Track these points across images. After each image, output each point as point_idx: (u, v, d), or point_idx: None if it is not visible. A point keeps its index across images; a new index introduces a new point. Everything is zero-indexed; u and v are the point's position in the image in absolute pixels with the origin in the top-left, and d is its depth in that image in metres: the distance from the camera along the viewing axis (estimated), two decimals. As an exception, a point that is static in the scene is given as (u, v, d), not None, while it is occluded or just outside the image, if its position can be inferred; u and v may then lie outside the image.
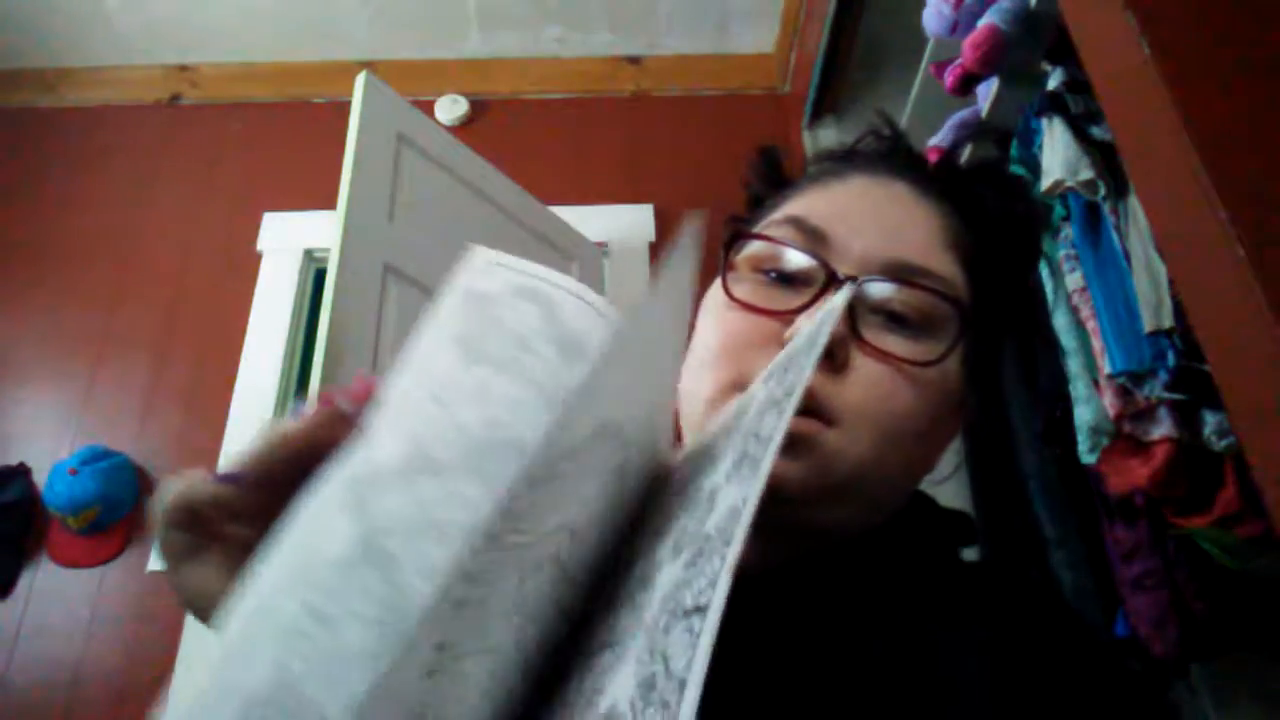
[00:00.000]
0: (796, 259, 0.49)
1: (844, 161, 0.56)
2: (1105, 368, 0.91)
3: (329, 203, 1.43)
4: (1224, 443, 0.84)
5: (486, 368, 0.36)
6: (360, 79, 1.51)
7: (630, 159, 2.18)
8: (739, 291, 0.50)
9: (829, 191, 0.53)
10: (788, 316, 0.47)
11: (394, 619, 0.30)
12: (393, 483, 0.33)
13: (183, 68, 2.27)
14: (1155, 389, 0.87)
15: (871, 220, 0.50)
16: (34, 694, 1.62)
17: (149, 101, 2.25)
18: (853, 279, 0.47)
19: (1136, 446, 0.91)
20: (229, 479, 0.36)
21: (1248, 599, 0.94)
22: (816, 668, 0.44)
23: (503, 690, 0.33)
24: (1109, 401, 0.92)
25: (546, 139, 2.19)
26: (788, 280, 0.49)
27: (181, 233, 2.05)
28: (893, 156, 0.57)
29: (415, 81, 2.15)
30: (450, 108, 2.19)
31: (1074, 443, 0.97)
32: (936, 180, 0.54)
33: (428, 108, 2.10)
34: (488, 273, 0.39)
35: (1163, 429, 0.88)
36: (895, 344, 0.47)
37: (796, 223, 0.50)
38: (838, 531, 0.49)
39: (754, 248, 0.51)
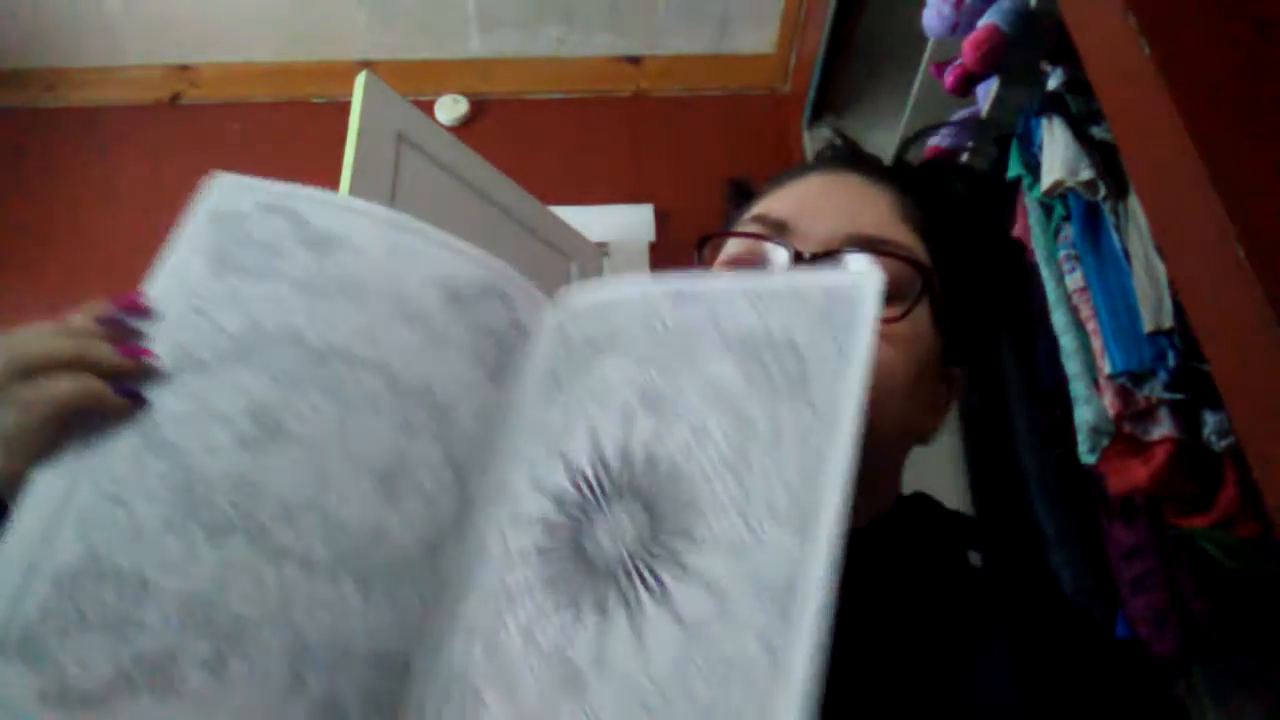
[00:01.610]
0: (761, 251, 0.54)
1: (801, 167, 0.62)
2: (1105, 368, 0.91)
3: (329, 203, 1.43)
4: (1224, 443, 0.84)
5: (240, 276, 0.42)
6: (360, 79, 1.51)
7: (630, 159, 2.18)
8: None
9: (787, 189, 0.58)
10: None
11: (184, 493, 0.36)
12: (164, 385, 0.38)
13: (183, 68, 2.27)
14: (1155, 389, 0.87)
15: (829, 206, 0.55)
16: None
17: (149, 101, 2.25)
18: (816, 256, 0.51)
19: (1136, 446, 0.91)
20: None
21: (1248, 599, 0.94)
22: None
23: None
24: (1109, 401, 0.92)
25: (546, 139, 2.19)
26: (756, 271, 0.53)
27: (181, 233, 2.05)
28: (845, 157, 0.62)
29: (415, 81, 2.15)
30: (450, 108, 2.19)
31: (1074, 443, 0.97)
32: (886, 170, 0.59)
33: (428, 108, 2.10)
34: (235, 195, 0.46)
35: (1163, 429, 0.88)
36: None
37: (760, 219, 0.55)
38: None
39: (728, 250, 0.56)
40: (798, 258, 0.51)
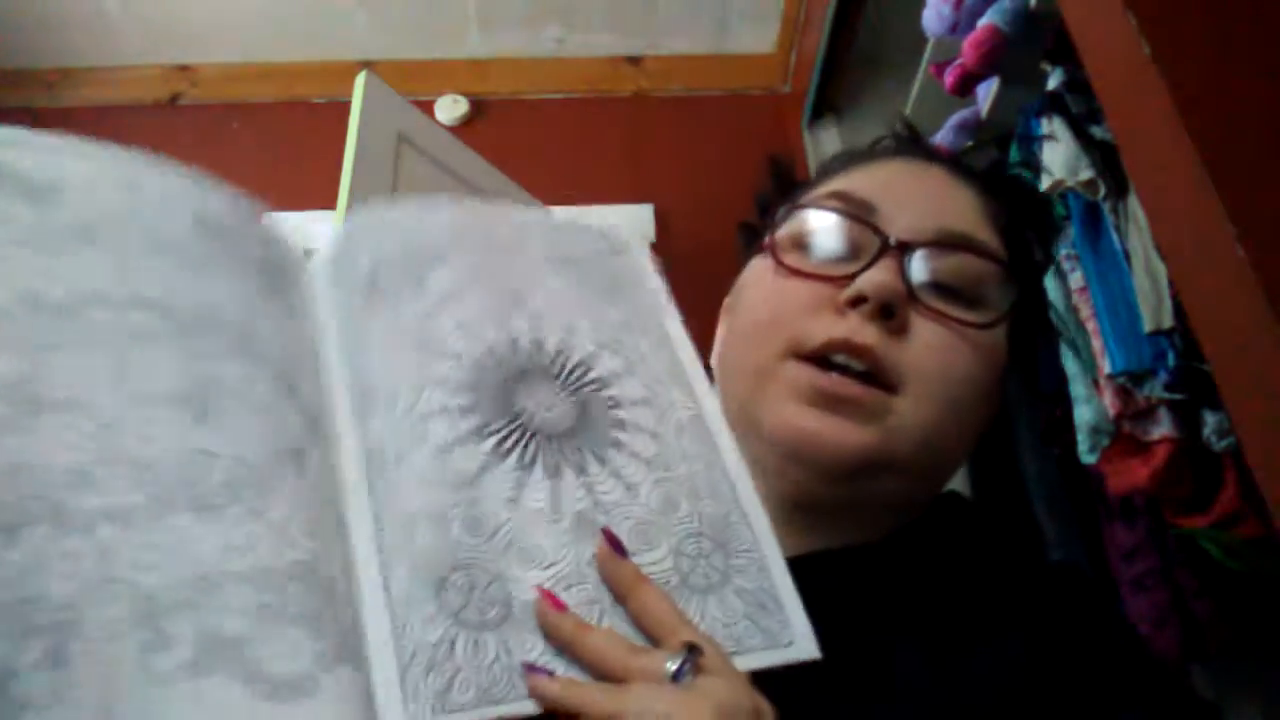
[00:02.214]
0: (843, 230, 0.50)
1: (876, 150, 0.58)
2: (1105, 368, 0.91)
3: (329, 203, 1.42)
4: (1224, 443, 0.84)
5: None
6: (360, 79, 1.51)
7: (630, 159, 2.18)
8: (787, 262, 0.50)
9: (870, 170, 0.54)
10: (843, 281, 0.48)
11: None
12: None
13: (183, 68, 2.27)
14: (1155, 389, 0.87)
15: (917, 194, 0.51)
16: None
17: (149, 101, 2.25)
18: (905, 245, 0.48)
19: (1136, 446, 0.91)
20: None
21: (1249, 600, 0.94)
22: (847, 671, 0.44)
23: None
24: (1109, 401, 0.92)
25: (546, 139, 2.19)
26: (833, 252, 0.49)
27: (181, 233, 2.05)
28: (924, 148, 0.58)
29: (415, 81, 2.15)
30: (450, 108, 2.19)
31: (1074, 443, 0.97)
32: (968, 169, 0.55)
33: (428, 108, 2.10)
34: None
35: (1163, 429, 0.88)
36: (951, 309, 0.48)
37: (843, 196, 0.51)
38: (881, 507, 0.49)
39: (795, 224, 0.52)
40: (884, 244, 0.48)
